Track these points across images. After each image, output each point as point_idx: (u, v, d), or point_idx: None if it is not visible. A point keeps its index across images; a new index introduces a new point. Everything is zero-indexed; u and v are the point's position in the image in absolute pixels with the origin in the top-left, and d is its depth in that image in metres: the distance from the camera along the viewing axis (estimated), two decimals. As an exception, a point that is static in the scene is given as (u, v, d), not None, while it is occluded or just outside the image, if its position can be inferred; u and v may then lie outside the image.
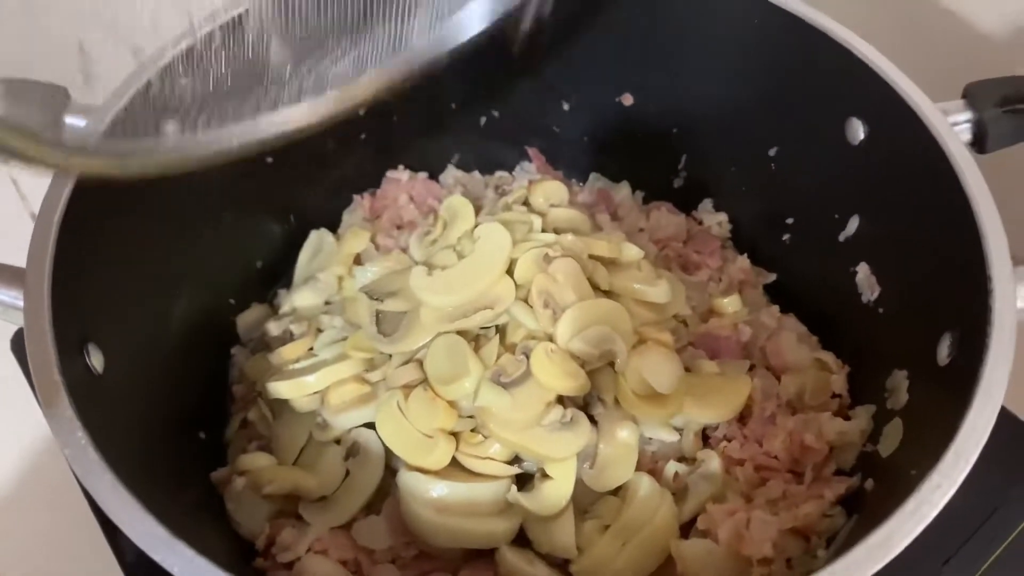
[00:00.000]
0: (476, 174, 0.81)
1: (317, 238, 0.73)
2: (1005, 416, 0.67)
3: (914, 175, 0.57)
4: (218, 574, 0.38)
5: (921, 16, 0.77)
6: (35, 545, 0.68)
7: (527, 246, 0.59)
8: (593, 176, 0.80)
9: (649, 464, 0.58)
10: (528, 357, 0.56)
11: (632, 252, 0.63)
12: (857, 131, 0.61)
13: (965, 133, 0.57)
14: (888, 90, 0.58)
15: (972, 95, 0.57)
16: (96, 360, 0.49)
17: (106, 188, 0.53)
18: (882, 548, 0.38)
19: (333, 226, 0.76)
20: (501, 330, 0.60)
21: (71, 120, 0.56)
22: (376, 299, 0.61)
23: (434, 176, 0.80)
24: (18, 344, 0.74)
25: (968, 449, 0.41)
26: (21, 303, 0.46)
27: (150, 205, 0.59)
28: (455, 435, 0.55)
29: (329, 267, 0.70)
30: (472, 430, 0.56)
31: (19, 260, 0.49)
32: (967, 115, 0.57)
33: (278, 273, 0.74)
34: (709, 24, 0.68)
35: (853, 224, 0.64)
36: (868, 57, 0.59)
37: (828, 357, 0.64)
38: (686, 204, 0.77)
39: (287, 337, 0.67)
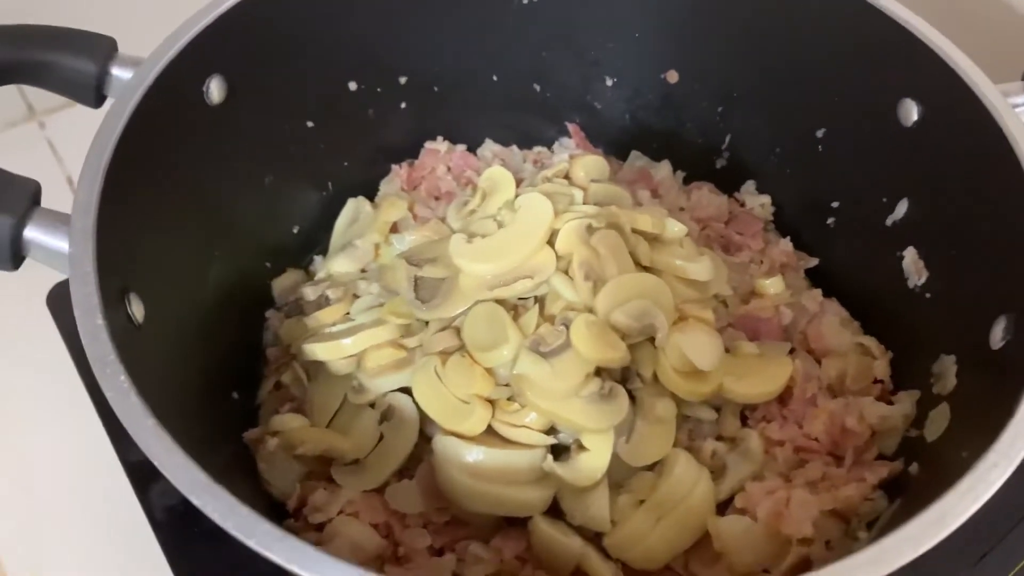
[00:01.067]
0: (515, 148, 0.80)
1: (354, 206, 0.73)
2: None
3: (970, 157, 0.56)
4: (259, 521, 0.37)
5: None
6: (66, 501, 0.68)
7: (569, 216, 0.59)
8: (634, 154, 0.79)
9: (686, 442, 0.57)
10: (568, 327, 0.55)
11: (676, 228, 0.62)
12: (911, 112, 0.60)
13: (1026, 115, 0.55)
14: (946, 70, 0.56)
15: (1034, 77, 0.56)
16: (137, 310, 0.49)
17: (152, 142, 0.54)
18: (935, 525, 0.37)
19: (370, 195, 0.76)
20: (540, 301, 0.59)
21: (118, 71, 0.56)
22: (415, 265, 0.61)
23: (472, 149, 0.80)
24: (54, 300, 0.75)
25: (1026, 430, 0.40)
26: (67, 248, 0.46)
27: (195, 162, 0.59)
28: (491, 402, 0.55)
29: (366, 234, 0.69)
30: (508, 398, 0.55)
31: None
32: (1029, 97, 0.55)
33: (315, 240, 0.74)
34: (759, 1, 0.67)
35: (902, 208, 0.63)
36: (927, 36, 0.58)
37: (871, 342, 0.63)
38: (728, 186, 0.76)
39: (323, 302, 0.66)
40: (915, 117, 0.60)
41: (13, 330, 0.76)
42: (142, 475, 0.65)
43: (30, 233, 0.48)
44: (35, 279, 0.76)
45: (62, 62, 0.54)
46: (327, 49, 0.67)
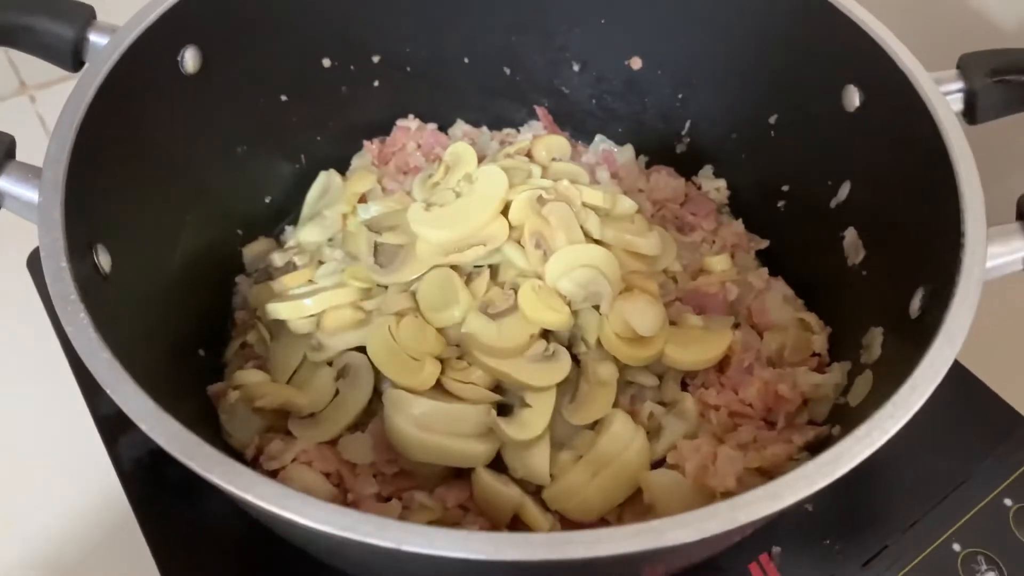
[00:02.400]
0: (484, 129, 0.83)
1: (326, 178, 0.76)
2: (981, 390, 0.70)
3: (904, 140, 0.58)
4: (202, 445, 0.40)
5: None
6: (42, 457, 0.70)
7: (522, 188, 0.61)
8: (599, 138, 0.82)
9: (628, 406, 0.60)
10: (516, 292, 0.58)
11: (626, 204, 0.65)
12: (853, 98, 0.62)
13: (957, 102, 0.58)
14: (885, 58, 0.59)
15: (965, 66, 0.59)
16: (104, 260, 0.52)
17: (124, 105, 0.57)
18: (830, 465, 0.40)
19: (342, 170, 0.78)
20: (493, 269, 0.62)
21: (95, 38, 0.58)
22: (375, 232, 0.63)
23: (444, 129, 0.82)
24: (34, 263, 0.77)
25: (923, 384, 0.43)
26: (37, 198, 0.49)
27: (167, 128, 0.62)
28: (442, 361, 0.58)
29: (335, 205, 0.72)
30: (458, 358, 0.58)
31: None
32: (959, 85, 0.58)
33: (285, 210, 0.77)
34: (718, -9, 0.70)
35: (844, 190, 0.65)
36: (868, 25, 0.60)
37: (811, 317, 0.65)
38: (687, 170, 0.79)
39: (290, 268, 0.69)
40: (857, 102, 0.62)
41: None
42: (111, 429, 0.67)
43: (3, 183, 0.50)
44: (14, 243, 0.79)
45: (41, 26, 0.57)
46: (302, 25, 0.70)
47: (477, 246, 0.60)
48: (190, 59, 0.62)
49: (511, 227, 0.61)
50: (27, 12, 0.56)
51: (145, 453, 0.66)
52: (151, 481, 0.65)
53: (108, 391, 0.42)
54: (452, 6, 0.75)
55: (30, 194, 0.50)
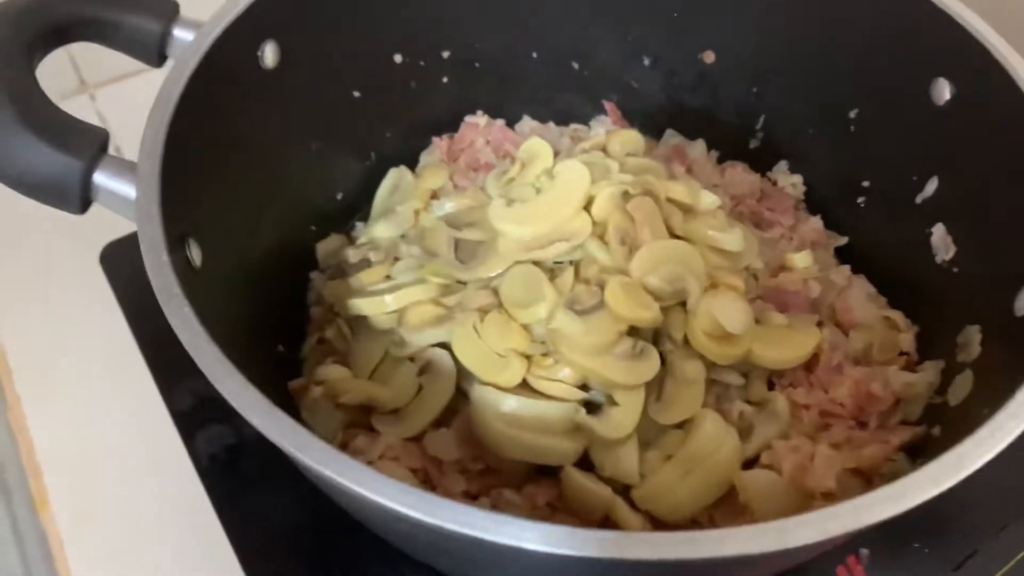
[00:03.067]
0: (551, 125, 0.82)
1: (396, 174, 0.75)
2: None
3: (1001, 135, 0.57)
4: (313, 441, 0.39)
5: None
6: (116, 451, 0.71)
7: (605, 184, 0.61)
8: (669, 132, 0.81)
9: (714, 405, 0.59)
10: (603, 288, 0.57)
11: (709, 199, 0.64)
12: (943, 91, 0.61)
13: (1059, 96, 0.57)
14: (979, 49, 0.57)
15: (1067, 57, 0.57)
16: (195, 254, 0.52)
17: (210, 100, 0.57)
18: (954, 467, 0.39)
19: (411, 166, 0.78)
20: (575, 265, 0.61)
21: (179, 33, 0.58)
22: (454, 228, 0.63)
23: (511, 124, 0.82)
24: (108, 259, 0.78)
25: (1047, 384, 0.42)
26: (133, 193, 0.49)
27: (248, 122, 0.62)
28: (527, 358, 0.57)
29: (407, 201, 0.72)
30: (543, 355, 0.57)
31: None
32: (1060, 74, 0.56)
33: (356, 207, 0.76)
34: (797, -17, 0.68)
35: (931, 186, 0.64)
36: (959, 15, 0.59)
37: (897, 315, 0.64)
38: (761, 165, 0.78)
39: (364, 264, 0.69)
40: (947, 96, 0.61)
41: (68, 288, 0.79)
42: (189, 424, 0.68)
43: (99, 178, 0.50)
44: (88, 238, 0.80)
45: (127, 21, 0.57)
46: (375, 21, 0.69)
47: (560, 242, 0.59)
48: (270, 54, 0.62)
49: (594, 223, 0.60)
50: (115, 7, 0.57)
51: (221, 449, 0.66)
52: (228, 475, 0.65)
53: (216, 385, 0.42)
54: (525, 2, 0.75)
55: (126, 189, 0.50)
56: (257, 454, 0.66)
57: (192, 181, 0.53)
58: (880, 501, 0.38)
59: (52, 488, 0.70)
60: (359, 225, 0.76)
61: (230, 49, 0.58)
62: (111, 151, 0.86)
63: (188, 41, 0.57)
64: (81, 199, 0.51)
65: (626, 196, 0.60)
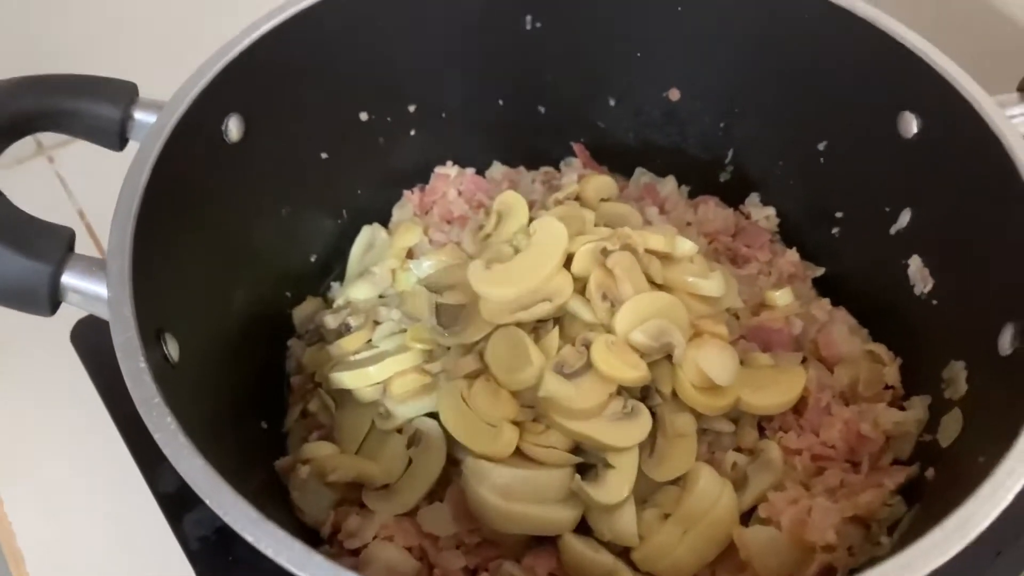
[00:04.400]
0: (522, 169, 0.82)
1: (370, 233, 0.75)
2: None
3: (970, 168, 0.57)
4: (312, 554, 0.39)
5: (972, 9, 0.78)
6: (103, 539, 0.69)
7: (583, 239, 0.60)
8: (639, 171, 0.81)
9: (706, 455, 0.59)
10: (588, 348, 0.56)
11: (686, 247, 0.63)
12: (910, 125, 0.61)
13: (1022, 126, 0.57)
14: (943, 84, 0.58)
15: (1028, 88, 0.58)
16: (172, 349, 0.50)
17: (177, 183, 0.55)
18: (959, 531, 0.39)
19: (383, 220, 0.77)
20: (557, 322, 0.60)
21: (140, 115, 0.57)
22: (435, 292, 0.62)
23: (480, 171, 0.81)
24: (78, 337, 0.76)
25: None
26: (104, 292, 0.48)
27: (216, 198, 0.60)
28: (517, 424, 0.56)
29: (383, 261, 0.71)
30: (533, 420, 0.57)
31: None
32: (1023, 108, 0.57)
33: (330, 267, 0.75)
34: (758, 19, 0.68)
35: (905, 217, 0.64)
36: (921, 50, 0.59)
37: (880, 348, 0.64)
38: (733, 198, 0.78)
39: (343, 330, 0.68)
40: (915, 129, 0.61)
41: (39, 365, 0.77)
42: (175, 506, 0.66)
43: (67, 279, 0.49)
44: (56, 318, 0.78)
45: (86, 109, 0.56)
46: (338, 82, 0.68)
47: (543, 302, 0.58)
48: (233, 128, 0.61)
49: (574, 279, 0.60)
50: (73, 97, 0.55)
51: (212, 531, 0.65)
52: (220, 558, 0.64)
53: (207, 501, 0.40)
54: (488, 50, 0.74)
55: (96, 288, 0.48)
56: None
57: (163, 272, 0.52)
58: (890, 571, 0.38)
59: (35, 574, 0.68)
60: (335, 286, 0.75)
61: (193, 128, 0.57)
62: (75, 215, 0.84)
63: (149, 124, 0.56)
64: (50, 302, 0.49)
65: (604, 252, 0.59)
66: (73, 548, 0.68)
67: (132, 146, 0.57)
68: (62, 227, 0.50)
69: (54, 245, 0.49)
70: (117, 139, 0.57)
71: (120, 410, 0.72)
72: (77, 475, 0.72)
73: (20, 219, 0.49)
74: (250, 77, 0.61)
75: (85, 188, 0.90)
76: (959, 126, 0.58)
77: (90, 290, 0.49)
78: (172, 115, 0.56)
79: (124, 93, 0.57)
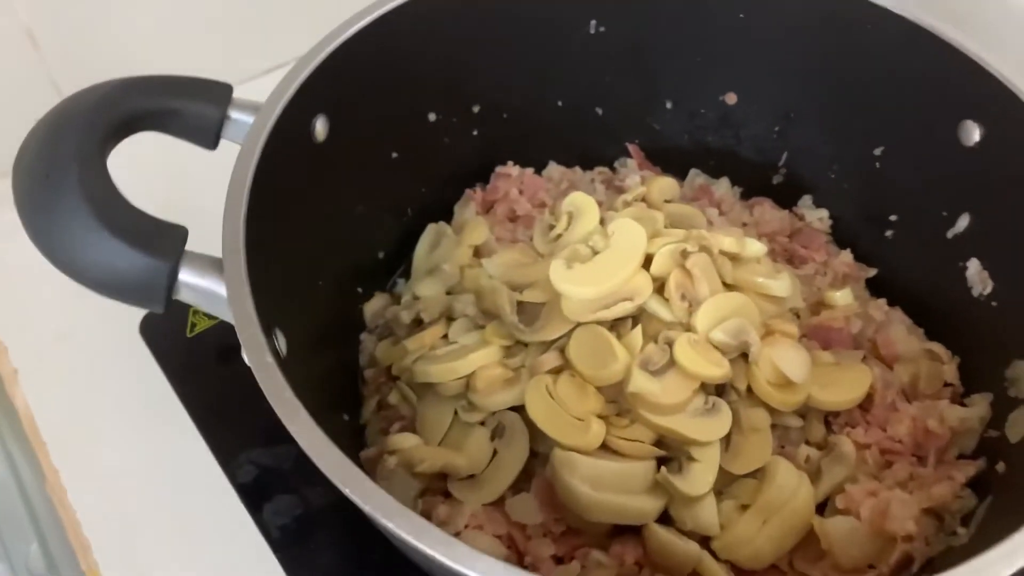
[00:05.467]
0: (578, 169, 0.84)
1: (435, 230, 0.76)
2: None
3: (1032, 175, 0.60)
4: (452, 541, 0.41)
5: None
6: (165, 523, 0.70)
7: (662, 241, 0.62)
8: (693, 172, 0.83)
9: (776, 449, 0.61)
10: (670, 346, 0.59)
11: (755, 248, 0.66)
12: (972, 133, 0.63)
13: (1084, 135, 0.60)
14: (1005, 92, 0.60)
15: (1092, 98, 0.60)
16: (282, 343, 0.52)
17: (274, 181, 0.57)
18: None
19: (445, 218, 0.79)
20: (635, 321, 0.63)
21: (235, 115, 0.59)
22: (515, 290, 0.64)
23: (537, 170, 0.83)
24: (146, 330, 0.77)
25: None
26: (222, 291, 0.49)
27: (305, 197, 0.62)
28: (603, 418, 0.59)
29: (451, 258, 0.72)
30: (617, 414, 0.59)
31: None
32: (1087, 118, 0.60)
33: (396, 264, 0.77)
34: (819, 26, 0.70)
35: (963, 222, 0.67)
36: (982, 59, 0.61)
37: (938, 347, 0.67)
38: (785, 200, 0.80)
39: (416, 324, 0.70)
40: (976, 138, 0.63)
41: (106, 357, 0.78)
42: (254, 496, 0.68)
43: (184, 276, 0.50)
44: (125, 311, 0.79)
45: (188, 109, 0.57)
46: (412, 84, 0.70)
47: (623, 301, 0.60)
48: (320, 128, 0.63)
49: (652, 279, 0.62)
50: (176, 97, 0.57)
51: (291, 520, 0.67)
52: (301, 544, 0.66)
53: (345, 490, 0.42)
54: (550, 52, 0.76)
55: (213, 286, 0.50)
56: (326, 523, 0.66)
57: (270, 270, 0.54)
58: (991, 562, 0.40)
59: (103, 564, 0.70)
60: (400, 281, 0.77)
61: (287, 129, 0.59)
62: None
63: (245, 124, 0.58)
64: (166, 298, 0.51)
65: (684, 253, 0.61)
66: (139, 538, 0.70)
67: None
68: (177, 225, 0.52)
69: (171, 243, 0.51)
70: (213, 138, 0.59)
71: (194, 403, 0.73)
72: (142, 466, 0.73)
73: (137, 217, 0.51)
74: (337, 79, 0.63)
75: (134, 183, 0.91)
76: (1022, 134, 0.60)
77: (207, 288, 0.50)
78: (270, 116, 0.57)
79: (222, 94, 0.58)
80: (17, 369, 0.79)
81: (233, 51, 0.90)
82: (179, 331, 0.77)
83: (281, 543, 0.66)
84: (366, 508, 0.42)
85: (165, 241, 0.51)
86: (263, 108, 0.58)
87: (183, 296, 0.52)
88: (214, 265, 0.51)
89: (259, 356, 0.46)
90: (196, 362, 0.75)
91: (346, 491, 0.42)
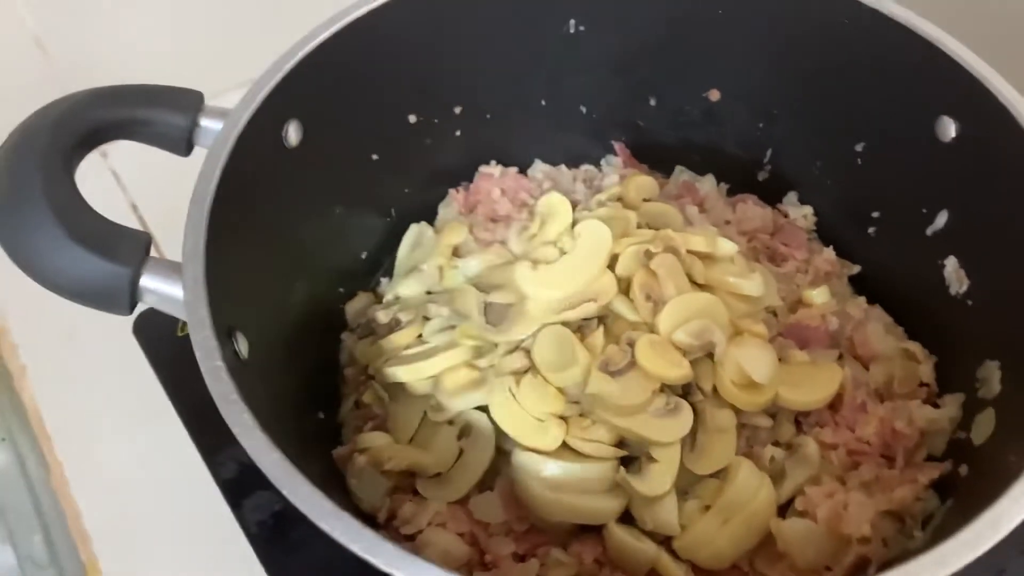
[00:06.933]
0: (563, 168, 0.84)
1: (417, 231, 0.77)
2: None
3: (1008, 172, 0.59)
4: (383, 543, 0.42)
5: (1010, 12, 0.78)
6: (161, 514, 0.73)
7: (627, 242, 0.63)
8: (678, 169, 0.83)
9: (745, 449, 0.61)
10: (632, 347, 0.59)
11: (727, 247, 0.66)
12: (948, 129, 0.63)
13: (1060, 131, 0.58)
14: (980, 88, 0.59)
15: (1067, 94, 0.59)
16: (242, 346, 0.53)
17: (242, 186, 0.58)
18: (991, 529, 0.41)
19: (428, 218, 0.80)
20: (601, 321, 0.63)
21: (206, 123, 0.60)
22: (483, 291, 0.65)
23: (522, 170, 0.83)
24: (140, 328, 0.80)
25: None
26: (180, 294, 0.51)
27: (277, 201, 0.63)
28: (564, 419, 0.59)
29: (431, 258, 0.73)
30: (579, 415, 0.59)
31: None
32: (1063, 115, 0.58)
33: (379, 263, 0.78)
34: (798, 22, 0.70)
35: (941, 219, 0.66)
36: (958, 55, 0.60)
37: (915, 347, 0.66)
38: (770, 196, 0.79)
39: (394, 324, 0.71)
40: (953, 134, 0.62)
41: (104, 355, 0.81)
42: (235, 492, 0.70)
43: (145, 282, 0.52)
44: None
45: (157, 118, 0.59)
46: (390, 86, 0.71)
47: (588, 302, 0.61)
48: (293, 133, 0.64)
49: (618, 280, 0.62)
50: (144, 106, 0.58)
51: (269, 516, 0.68)
52: (278, 540, 0.67)
53: (284, 492, 0.44)
54: (532, 52, 0.76)
55: (173, 290, 0.52)
56: (304, 519, 0.68)
57: (233, 273, 0.55)
58: (924, 567, 0.40)
59: (101, 555, 0.72)
60: (383, 281, 0.78)
61: (256, 135, 0.60)
62: (128, 209, 0.88)
63: (215, 131, 0.59)
64: (129, 302, 0.52)
65: (648, 254, 0.61)
66: (136, 528, 0.72)
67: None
68: (140, 232, 0.53)
69: (133, 249, 0.52)
70: (184, 146, 0.60)
71: (182, 400, 0.75)
72: (139, 459, 0.75)
73: (101, 225, 0.52)
74: (308, 85, 0.63)
75: (136, 181, 0.94)
76: (997, 130, 0.59)
77: (166, 292, 0.52)
78: (237, 123, 0.58)
79: (192, 101, 0.60)
80: (26, 365, 0.82)
81: (238, 56, 0.92)
82: (170, 331, 0.79)
83: (259, 538, 0.67)
84: (303, 508, 0.43)
85: (127, 247, 0.52)
86: (231, 115, 0.59)
87: (147, 300, 0.53)
88: (175, 270, 0.52)
89: (209, 359, 0.48)
90: (184, 360, 0.76)
91: (284, 492, 0.43)
